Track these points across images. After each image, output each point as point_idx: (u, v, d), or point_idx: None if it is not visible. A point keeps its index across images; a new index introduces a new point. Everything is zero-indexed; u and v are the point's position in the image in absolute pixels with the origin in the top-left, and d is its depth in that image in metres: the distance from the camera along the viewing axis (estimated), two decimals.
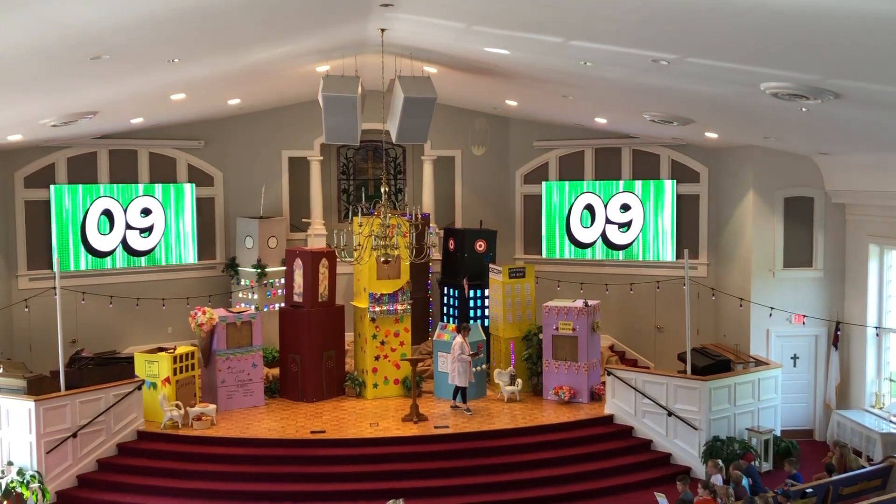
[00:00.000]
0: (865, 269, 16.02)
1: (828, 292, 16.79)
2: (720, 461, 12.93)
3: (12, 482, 13.35)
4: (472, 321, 18.28)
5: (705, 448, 14.69)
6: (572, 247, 20.09)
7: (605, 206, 19.62)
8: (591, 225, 19.89)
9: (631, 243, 19.53)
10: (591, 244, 19.94)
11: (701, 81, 11.00)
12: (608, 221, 19.64)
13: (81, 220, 18.32)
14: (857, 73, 8.79)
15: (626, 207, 19.53)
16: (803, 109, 10.86)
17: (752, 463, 13.38)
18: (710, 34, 8.50)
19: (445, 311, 19.67)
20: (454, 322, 18.54)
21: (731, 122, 14.64)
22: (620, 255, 19.58)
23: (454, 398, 16.37)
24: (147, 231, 19.05)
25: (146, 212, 19.04)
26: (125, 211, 18.78)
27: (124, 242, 18.85)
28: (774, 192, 16.83)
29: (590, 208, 19.90)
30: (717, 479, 12.36)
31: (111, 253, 18.72)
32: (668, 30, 8.81)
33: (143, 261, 19.05)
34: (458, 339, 16.21)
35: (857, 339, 16.27)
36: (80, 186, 18.25)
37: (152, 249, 19.16)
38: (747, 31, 7.98)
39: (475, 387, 16.80)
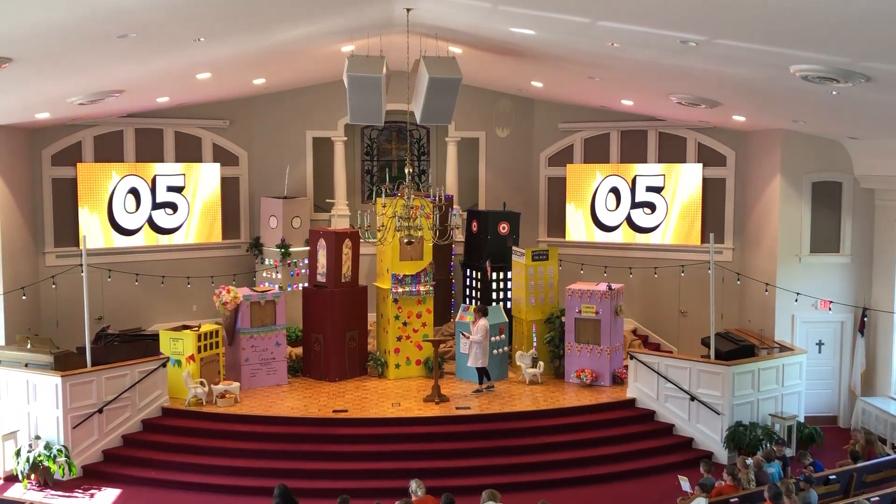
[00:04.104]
0: (893, 256, 15.81)
1: (855, 278, 16.62)
2: (749, 459, 12.49)
3: (39, 456, 13.58)
4: (494, 304, 18.28)
5: (727, 433, 14.63)
6: (596, 229, 20.05)
7: (632, 188, 19.53)
8: (617, 208, 19.79)
9: (657, 226, 19.43)
10: (617, 227, 19.85)
11: (730, 63, 10.86)
12: (633, 206, 19.55)
13: (109, 197, 18.49)
14: (890, 56, 8.63)
15: (652, 189, 19.42)
16: (833, 93, 10.71)
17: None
18: (739, 15, 8.38)
19: (468, 293, 19.68)
20: (476, 304, 18.52)
21: (759, 105, 14.46)
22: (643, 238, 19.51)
23: (480, 382, 16.37)
24: (173, 209, 19.22)
25: (172, 189, 19.19)
26: (152, 189, 18.95)
27: (150, 220, 19.03)
28: (802, 177, 16.63)
29: (615, 191, 19.79)
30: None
31: (137, 231, 18.89)
32: (696, 10, 8.69)
33: (168, 239, 19.23)
34: (484, 321, 16.20)
35: (883, 326, 16.09)
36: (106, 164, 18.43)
37: (178, 227, 19.32)
38: (777, 11, 7.86)
39: (496, 368, 16.81)
